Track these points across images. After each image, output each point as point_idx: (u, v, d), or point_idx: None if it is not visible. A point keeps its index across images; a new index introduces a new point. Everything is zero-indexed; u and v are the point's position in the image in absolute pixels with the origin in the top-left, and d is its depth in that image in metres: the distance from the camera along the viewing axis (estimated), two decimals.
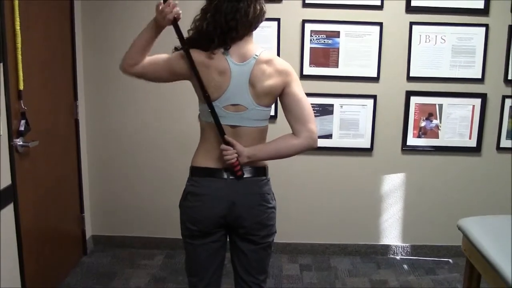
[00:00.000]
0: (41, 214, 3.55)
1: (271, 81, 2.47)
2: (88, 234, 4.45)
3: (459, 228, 3.14)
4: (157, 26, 2.46)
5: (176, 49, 2.51)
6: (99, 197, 4.48)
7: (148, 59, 2.50)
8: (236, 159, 2.46)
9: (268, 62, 2.48)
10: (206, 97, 2.43)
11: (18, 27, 3.05)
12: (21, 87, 3.12)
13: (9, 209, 3.05)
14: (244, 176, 2.52)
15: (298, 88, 2.53)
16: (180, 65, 2.47)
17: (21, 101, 3.14)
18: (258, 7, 2.48)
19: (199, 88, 2.48)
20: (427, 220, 4.42)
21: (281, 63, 2.54)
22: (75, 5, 4.04)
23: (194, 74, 2.44)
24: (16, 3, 3.03)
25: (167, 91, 4.23)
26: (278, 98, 2.55)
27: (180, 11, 2.41)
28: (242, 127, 2.50)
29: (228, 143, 2.45)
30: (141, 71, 2.49)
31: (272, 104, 2.57)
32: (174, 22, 2.42)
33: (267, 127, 2.61)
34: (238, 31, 2.43)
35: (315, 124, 2.52)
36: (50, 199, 3.69)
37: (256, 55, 2.46)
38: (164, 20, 2.41)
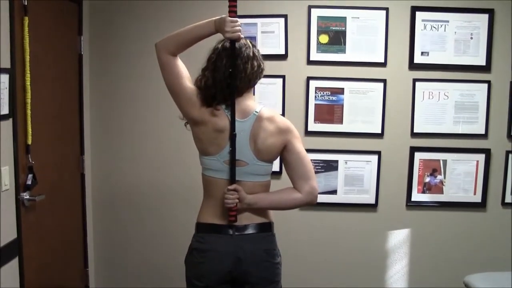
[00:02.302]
0: (45, 269, 3.52)
1: (273, 139, 2.51)
2: None
3: (466, 285, 3.12)
4: (212, 31, 2.46)
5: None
6: (103, 252, 4.45)
7: (180, 64, 2.52)
8: (235, 204, 2.47)
9: (269, 119, 2.52)
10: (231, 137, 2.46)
11: (28, 83, 3.11)
12: (29, 141, 3.15)
13: (14, 263, 3.03)
14: (250, 232, 2.53)
15: (300, 145, 2.57)
16: (187, 99, 2.52)
17: (29, 155, 3.17)
18: (256, 64, 2.54)
19: (200, 141, 2.53)
20: (432, 276, 4.36)
21: (282, 120, 2.59)
22: (83, 61, 4.11)
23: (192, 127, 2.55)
24: (27, 58, 3.10)
25: (172, 145, 4.26)
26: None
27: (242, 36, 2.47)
28: (243, 182, 2.53)
29: (233, 189, 2.48)
30: (167, 63, 2.49)
31: (274, 160, 2.60)
32: (236, 40, 2.46)
33: (269, 182, 2.63)
34: (237, 87, 2.48)
35: (316, 181, 2.56)
36: (54, 253, 3.67)
37: (256, 111, 2.51)
38: (231, 33, 2.40)
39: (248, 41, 2.59)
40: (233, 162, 2.48)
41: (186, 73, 2.54)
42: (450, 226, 4.31)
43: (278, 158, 2.62)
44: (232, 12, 2.42)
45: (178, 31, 2.48)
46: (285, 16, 4.11)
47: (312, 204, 2.58)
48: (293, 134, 2.57)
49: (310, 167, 2.57)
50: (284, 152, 2.56)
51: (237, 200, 2.48)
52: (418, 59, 4.15)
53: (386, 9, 4.10)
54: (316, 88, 4.17)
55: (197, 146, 2.59)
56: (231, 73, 2.45)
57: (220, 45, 2.55)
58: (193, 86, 2.54)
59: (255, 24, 4.11)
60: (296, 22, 4.13)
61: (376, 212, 4.31)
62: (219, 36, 2.55)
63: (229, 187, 2.47)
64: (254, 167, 2.52)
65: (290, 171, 2.58)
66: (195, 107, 2.50)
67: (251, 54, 2.53)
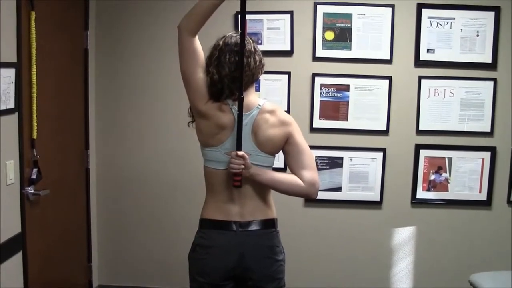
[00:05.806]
0: (49, 263, 3.53)
1: (274, 130, 2.52)
2: (95, 283, 4.41)
3: (471, 283, 3.12)
4: None
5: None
6: (107, 247, 4.46)
7: (199, 48, 2.50)
8: (241, 170, 2.46)
9: (271, 112, 2.54)
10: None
11: (34, 78, 3.12)
12: (35, 135, 3.16)
13: (18, 257, 3.05)
14: (253, 228, 2.53)
15: (301, 139, 2.58)
16: (196, 89, 2.51)
17: (34, 150, 3.18)
18: (258, 58, 2.56)
19: (201, 133, 2.54)
20: (437, 274, 4.35)
21: (284, 114, 2.62)
22: (89, 56, 4.13)
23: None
24: (34, 53, 3.11)
25: (178, 140, 4.26)
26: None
27: None
28: None
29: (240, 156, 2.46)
30: (189, 47, 2.47)
31: (276, 153, 2.60)
32: None
33: None
34: (243, 82, 2.49)
35: (318, 175, 2.56)
36: (58, 248, 3.68)
37: (259, 105, 2.53)
38: None
39: (247, 36, 2.59)
40: (239, 128, 2.47)
41: (202, 60, 2.53)
42: (455, 224, 4.30)
43: (282, 157, 2.62)
44: None
45: (194, 7, 2.44)
46: (291, 13, 4.11)
47: (312, 197, 2.57)
48: (294, 127, 2.57)
49: (312, 159, 2.57)
50: (286, 146, 2.56)
51: (242, 166, 2.46)
52: (424, 56, 4.14)
53: (392, 6, 4.09)
54: (322, 85, 4.17)
55: (199, 138, 2.59)
56: (238, 52, 2.45)
57: (221, 42, 2.55)
58: (204, 76, 2.53)
59: (261, 20, 4.11)
60: (302, 19, 4.13)
61: (381, 209, 4.30)
62: (217, 35, 2.58)
63: (237, 152, 2.45)
64: (256, 158, 2.52)
65: (292, 164, 2.58)
66: (202, 100, 2.50)
67: (252, 49, 2.54)
